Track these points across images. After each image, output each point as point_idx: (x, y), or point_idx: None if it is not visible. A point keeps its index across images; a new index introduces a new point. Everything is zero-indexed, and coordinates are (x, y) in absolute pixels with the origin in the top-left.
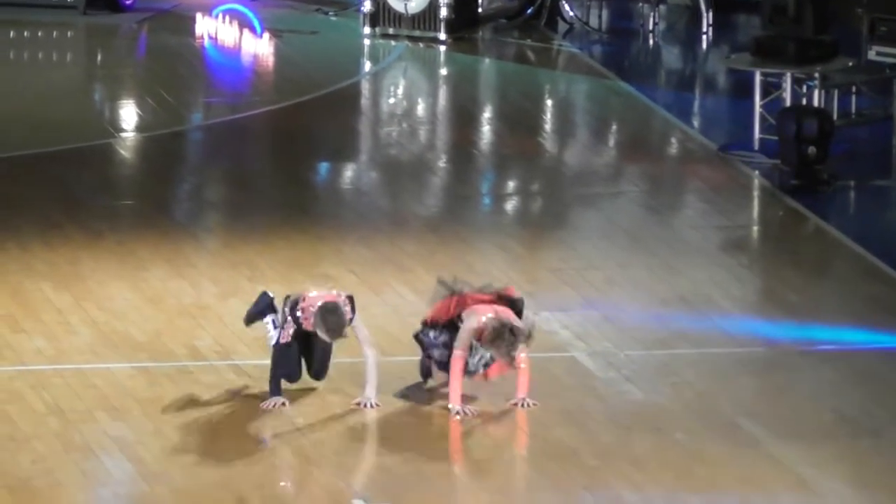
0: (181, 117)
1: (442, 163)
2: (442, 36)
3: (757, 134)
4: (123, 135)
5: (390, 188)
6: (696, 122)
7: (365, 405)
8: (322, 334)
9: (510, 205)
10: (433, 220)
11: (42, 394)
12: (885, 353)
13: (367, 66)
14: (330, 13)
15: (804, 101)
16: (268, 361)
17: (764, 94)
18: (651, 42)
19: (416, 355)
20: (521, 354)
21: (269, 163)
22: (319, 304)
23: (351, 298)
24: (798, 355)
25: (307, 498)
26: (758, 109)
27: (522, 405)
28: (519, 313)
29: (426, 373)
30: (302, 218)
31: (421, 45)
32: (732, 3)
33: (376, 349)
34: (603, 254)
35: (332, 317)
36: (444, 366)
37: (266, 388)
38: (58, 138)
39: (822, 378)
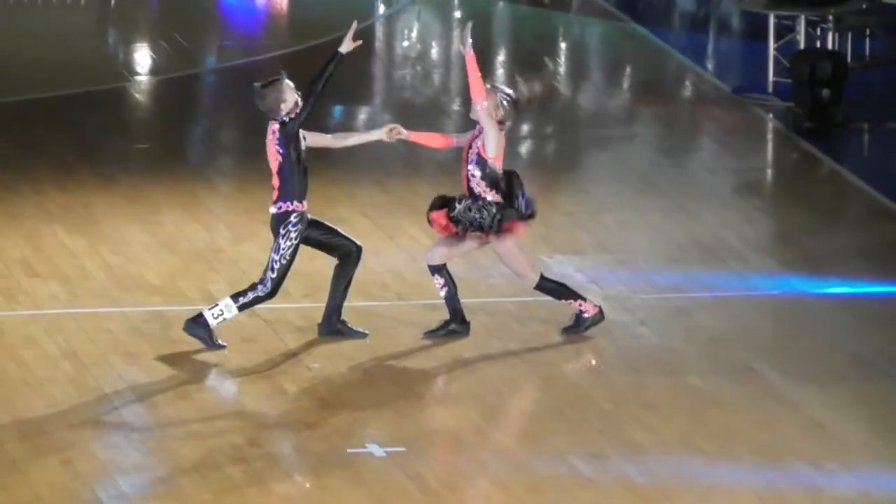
0: (195, 60)
1: (455, 106)
2: None
3: (771, 76)
4: (137, 78)
5: None
6: (709, 65)
7: None
8: None
9: (524, 148)
10: (447, 163)
11: (56, 338)
12: None
13: (381, 8)
14: None
15: (818, 44)
16: (280, 306)
17: (778, 37)
18: None
19: (430, 300)
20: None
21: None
22: None
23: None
24: (812, 298)
25: (321, 442)
26: (771, 52)
27: None
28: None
29: (454, 310)
30: (316, 162)
31: None
32: None
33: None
34: (616, 197)
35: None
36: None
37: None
38: (72, 81)
39: (837, 321)
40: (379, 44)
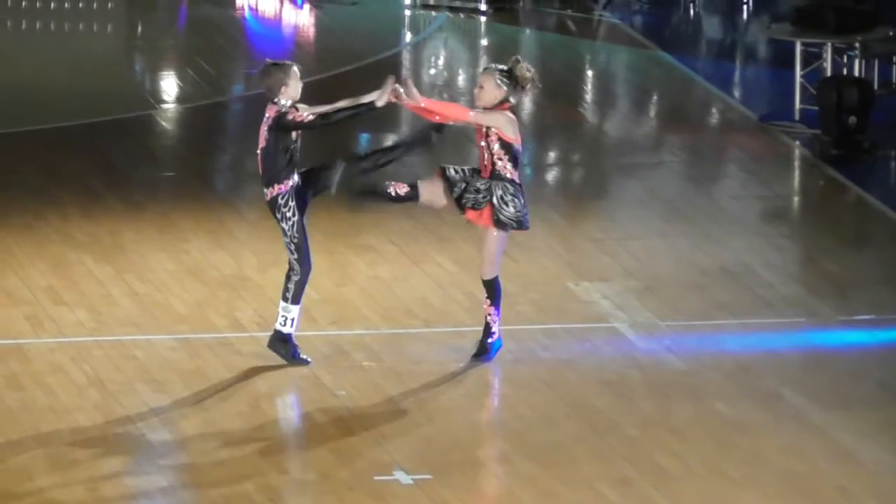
0: (222, 88)
1: None
2: (483, 6)
3: (797, 104)
4: (164, 106)
5: (431, 158)
6: (736, 93)
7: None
8: None
9: (551, 175)
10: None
11: (83, 366)
12: None
13: (408, 36)
14: None
15: (844, 71)
16: (307, 333)
17: (804, 64)
18: (691, 12)
19: (457, 327)
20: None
21: (309, 134)
22: None
23: None
24: (839, 325)
25: (348, 469)
26: (798, 79)
27: None
28: None
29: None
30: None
31: (462, 15)
32: None
33: None
34: (643, 224)
35: None
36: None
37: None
38: (99, 109)
39: (864, 348)
40: (406, 71)
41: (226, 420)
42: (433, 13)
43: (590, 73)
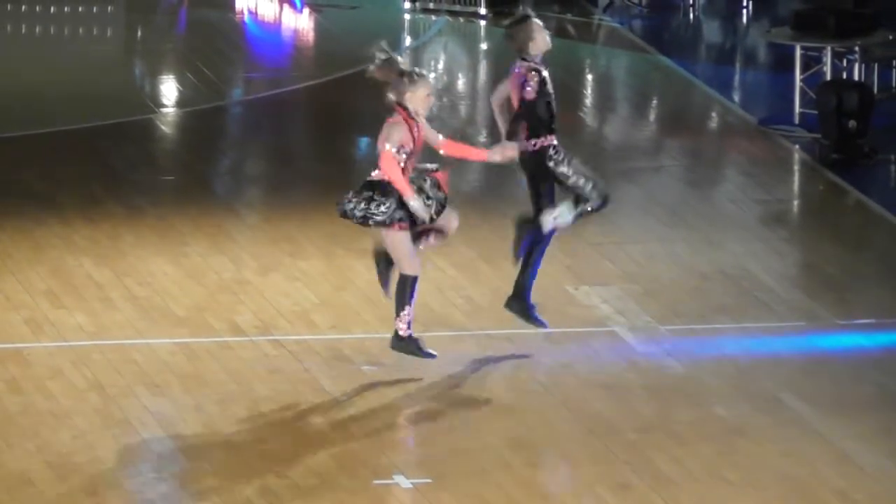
0: (221, 92)
1: (482, 137)
2: (482, 10)
3: (797, 108)
4: (164, 110)
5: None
6: (736, 97)
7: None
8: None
9: None
10: (473, 195)
11: (82, 369)
12: None
13: (408, 40)
14: None
15: (844, 75)
16: (306, 337)
17: (804, 68)
18: (691, 16)
19: (456, 331)
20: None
21: (309, 138)
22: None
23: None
24: (838, 329)
25: (347, 473)
26: (798, 83)
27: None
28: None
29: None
30: (342, 193)
31: (461, 19)
32: None
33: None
34: (643, 228)
35: None
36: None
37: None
38: (98, 113)
39: (864, 352)
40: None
41: (225, 424)
42: (433, 17)
43: (589, 77)
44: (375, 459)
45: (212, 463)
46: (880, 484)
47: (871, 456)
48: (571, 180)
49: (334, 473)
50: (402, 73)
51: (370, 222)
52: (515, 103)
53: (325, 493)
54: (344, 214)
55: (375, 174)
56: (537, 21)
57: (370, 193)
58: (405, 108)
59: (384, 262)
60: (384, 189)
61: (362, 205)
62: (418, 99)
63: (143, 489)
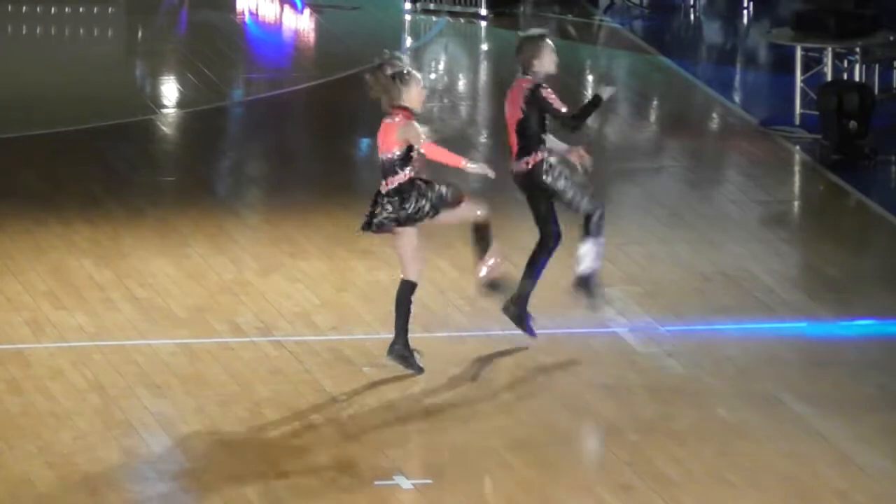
0: (222, 93)
1: (483, 138)
2: (483, 11)
3: (798, 109)
4: (164, 111)
5: (431, 163)
6: (736, 97)
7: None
8: None
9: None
10: (474, 195)
11: (83, 370)
12: None
13: (408, 41)
14: None
15: (845, 76)
16: (307, 338)
17: (805, 69)
18: (692, 17)
19: (457, 331)
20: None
21: (310, 138)
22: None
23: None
24: (839, 330)
25: (348, 474)
26: (799, 84)
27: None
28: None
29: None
30: (343, 193)
31: (462, 20)
32: None
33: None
34: (644, 229)
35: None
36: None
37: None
38: (99, 114)
39: (864, 352)
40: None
41: (226, 425)
42: (434, 18)
43: (590, 77)
44: (376, 460)
45: (212, 463)
46: (881, 485)
47: (871, 456)
48: (568, 196)
49: (335, 474)
50: (392, 77)
51: (425, 219)
52: (512, 118)
53: (325, 494)
54: (381, 227)
55: (391, 181)
56: (550, 43)
57: (397, 198)
58: (405, 108)
59: (483, 239)
60: (413, 187)
61: (412, 203)
62: (413, 96)
63: (145, 489)
